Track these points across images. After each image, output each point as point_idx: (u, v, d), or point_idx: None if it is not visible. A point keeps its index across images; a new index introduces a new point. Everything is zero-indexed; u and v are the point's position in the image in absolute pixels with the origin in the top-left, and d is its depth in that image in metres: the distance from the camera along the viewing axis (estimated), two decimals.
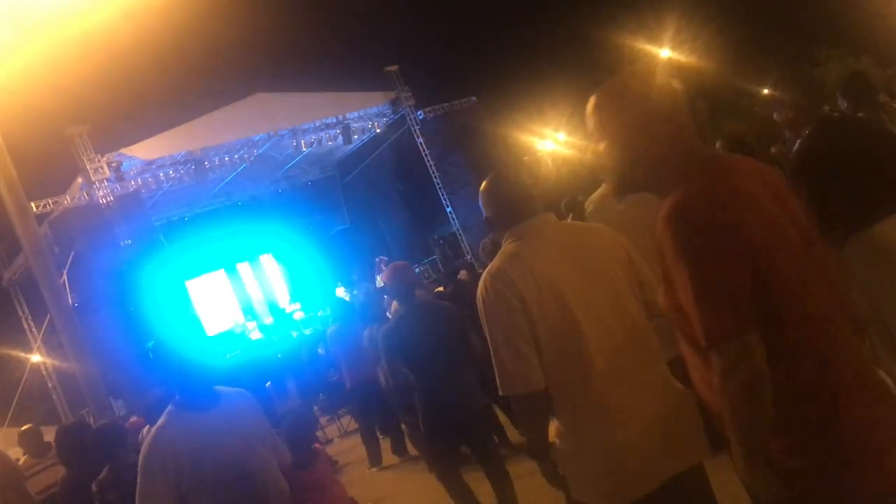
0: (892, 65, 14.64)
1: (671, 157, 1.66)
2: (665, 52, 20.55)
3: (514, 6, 28.47)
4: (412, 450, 7.17)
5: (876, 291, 1.72)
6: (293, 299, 17.95)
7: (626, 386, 2.12)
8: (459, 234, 17.71)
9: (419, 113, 17.76)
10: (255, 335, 16.26)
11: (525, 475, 4.18)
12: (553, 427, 2.24)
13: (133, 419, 7.59)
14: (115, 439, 3.90)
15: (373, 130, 18.07)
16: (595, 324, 2.14)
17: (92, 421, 7.91)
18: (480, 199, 2.44)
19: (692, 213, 1.52)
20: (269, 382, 8.94)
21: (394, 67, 17.44)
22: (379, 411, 7.21)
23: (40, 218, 13.27)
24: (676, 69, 20.27)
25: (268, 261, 18.84)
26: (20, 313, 16.49)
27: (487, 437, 4.59)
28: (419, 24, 27.83)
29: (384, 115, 17.91)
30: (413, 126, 17.54)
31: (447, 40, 30.38)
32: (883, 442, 1.50)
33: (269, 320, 17.28)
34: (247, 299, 17.83)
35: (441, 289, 8.30)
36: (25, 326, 16.41)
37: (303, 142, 16.70)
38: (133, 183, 14.66)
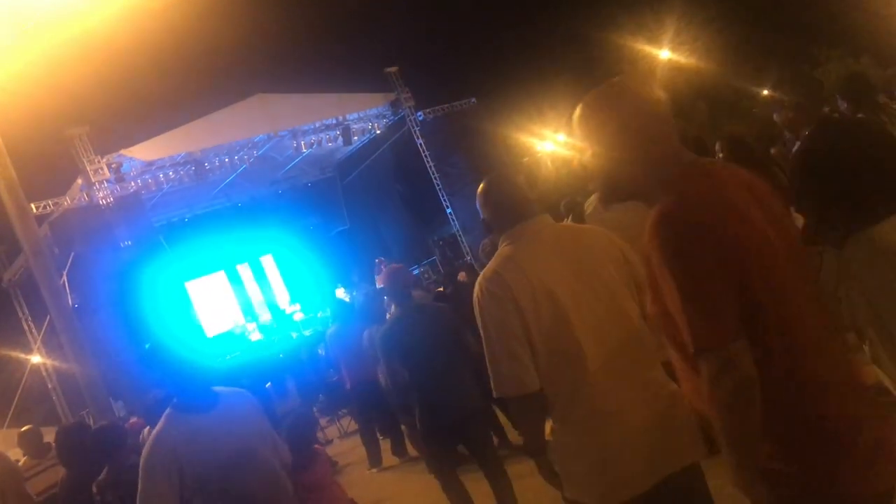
0: (891, 65, 14.62)
1: (657, 165, 1.68)
2: (665, 53, 20.56)
3: (514, 7, 28.53)
4: (412, 451, 7.17)
5: (875, 291, 1.72)
6: (293, 300, 17.96)
7: (620, 386, 2.14)
8: (459, 236, 17.70)
9: (419, 114, 17.75)
10: (255, 336, 16.26)
11: (524, 475, 4.18)
12: (548, 426, 2.26)
13: (133, 420, 7.58)
14: (115, 440, 3.90)
15: (373, 132, 18.07)
16: (589, 325, 2.16)
17: (92, 422, 7.91)
18: (477, 201, 2.46)
19: (678, 221, 1.54)
20: (269, 383, 8.95)
21: (394, 69, 17.43)
22: (379, 412, 7.20)
23: (40, 219, 13.27)
24: (676, 70, 20.30)
25: (268, 262, 18.85)
26: (20, 314, 16.48)
27: (484, 437, 4.61)
28: (419, 26, 27.86)
29: (384, 117, 17.91)
30: (413, 127, 17.54)
31: (447, 41, 30.43)
32: (869, 443, 1.51)
33: (269, 321, 17.28)
34: (247, 300, 17.83)
35: (441, 289, 8.31)
36: (25, 327, 16.40)
37: (303, 143, 16.70)
38: (133, 184, 14.65)
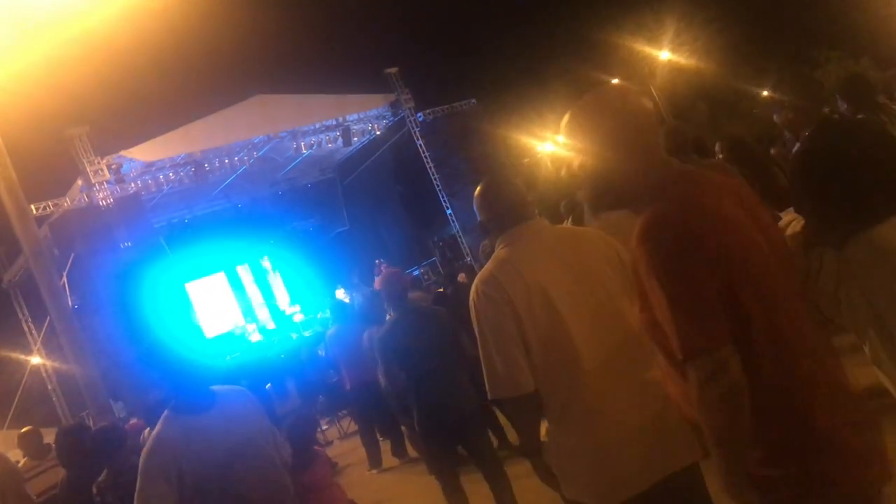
0: (891, 66, 14.64)
1: (643, 173, 1.69)
2: (665, 54, 20.57)
3: (514, 8, 28.54)
4: (412, 452, 7.17)
5: (876, 293, 1.72)
6: (293, 301, 17.96)
7: (616, 387, 2.14)
8: (459, 236, 17.70)
9: (419, 115, 17.75)
10: (255, 337, 16.26)
11: (524, 476, 4.17)
12: (544, 427, 2.27)
13: (133, 421, 7.58)
14: (115, 441, 3.90)
15: (373, 133, 18.07)
16: (585, 326, 2.17)
17: (92, 423, 7.91)
18: (475, 204, 2.48)
19: (664, 230, 1.55)
20: (269, 384, 8.95)
21: (393, 69, 17.44)
22: (379, 413, 7.20)
23: (40, 220, 13.27)
24: (676, 71, 20.31)
25: (267, 263, 18.85)
26: (20, 315, 16.48)
27: (482, 438, 4.63)
28: (419, 27, 27.90)
29: (384, 118, 17.91)
30: (413, 128, 17.54)
31: (447, 42, 30.46)
32: (859, 448, 1.52)
33: (268, 322, 17.28)
34: (246, 301, 17.83)
35: (441, 290, 8.32)
36: (25, 328, 16.40)
37: (303, 144, 16.70)
38: (133, 185, 14.66)
